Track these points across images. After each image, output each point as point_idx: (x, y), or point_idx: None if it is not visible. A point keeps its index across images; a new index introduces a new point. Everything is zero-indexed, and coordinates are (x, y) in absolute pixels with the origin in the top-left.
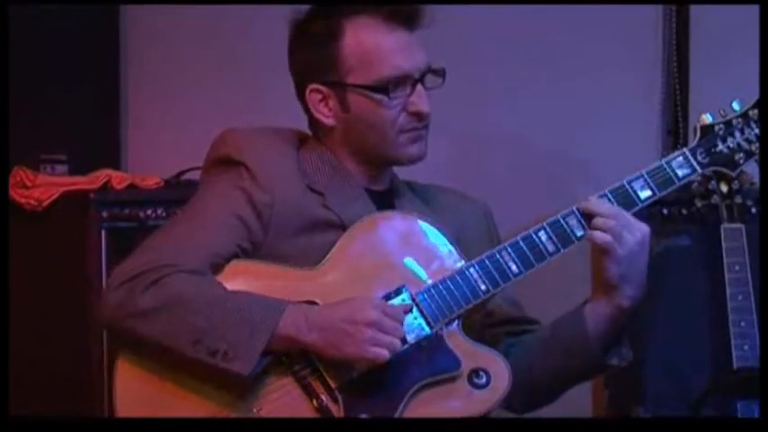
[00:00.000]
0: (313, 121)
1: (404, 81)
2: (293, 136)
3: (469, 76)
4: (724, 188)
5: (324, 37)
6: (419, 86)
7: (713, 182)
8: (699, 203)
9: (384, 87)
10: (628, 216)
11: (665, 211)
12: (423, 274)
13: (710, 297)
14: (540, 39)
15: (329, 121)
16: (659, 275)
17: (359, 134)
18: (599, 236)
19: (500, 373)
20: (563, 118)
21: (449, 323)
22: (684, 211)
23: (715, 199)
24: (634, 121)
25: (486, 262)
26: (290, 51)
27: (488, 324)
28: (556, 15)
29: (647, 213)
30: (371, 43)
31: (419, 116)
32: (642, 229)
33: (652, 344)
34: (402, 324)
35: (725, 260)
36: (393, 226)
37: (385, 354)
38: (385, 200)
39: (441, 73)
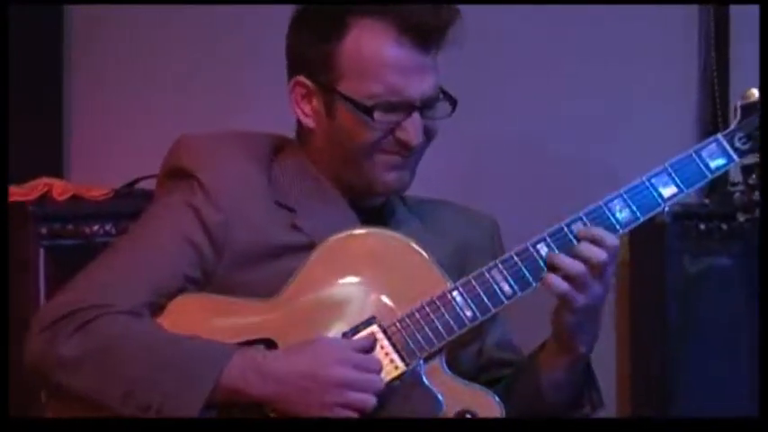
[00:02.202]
0: (297, 121)
1: (399, 107)
2: (268, 143)
3: (489, 71)
4: None
5: (323, 29)
6: (415, 115)
7: (757, 192)
8: (741, 217)
9: (371, 108)
10: (604, 256)
11: (701, 227)
12: (399, 301)
13: (752, 326)
14: (559, 34)
15: (309, 122)
16: (695, 302)
17: (340, 146)
18: (555, 284)
19: (491, 414)
20: (588, 117)
21: (429, 358)
22: (724, 227)
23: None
24: (666, 123)
25: (473, 283)
26: (288, 35)
27: (479, 366)
28: (577, 11)
29: (682, 230)
30: (372, 52)
31: (405, 146)
32: (611, 270)
33: (686, 378)
34: (378, 373)
35: None
36: (366, 245)
37: (356, 415)
38: (374, 218)
39: (452, 102)
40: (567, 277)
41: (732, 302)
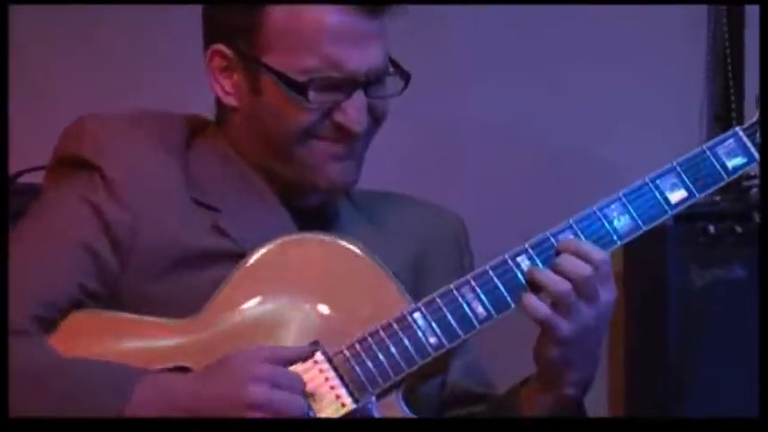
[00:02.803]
0: (217, 99)
1: (339, 85)
2: (183, 125)
3: (494, 69)
4: None
5: None
6: (359, 94)
7: None
8: (757, 218)
9: (304, 86)
10: (588, 271)
11: (710, 229)
12: (348, 323)
13: None
14: (559, 33)
15: (230, 101)
16: (703, 323)
17: (268, 131)
18: (534, 306)
19: None
20: (590, 117)
21: (383, 394)
22: (739, 229)
23: None
24: (671, 122)
25: (439, 303)
26: None
27: (442, 401)
28: (580, 10)
29: (687, 234)
30: (308, 18)
31: (347, 132)
32: (608, 295)
33: (695, 403)
34: (300, 392)
35: None
36: (306, 255)
37: None
38: (314, 221)
39: (403, 76)
40: (551, 298)
41: (747, 323)
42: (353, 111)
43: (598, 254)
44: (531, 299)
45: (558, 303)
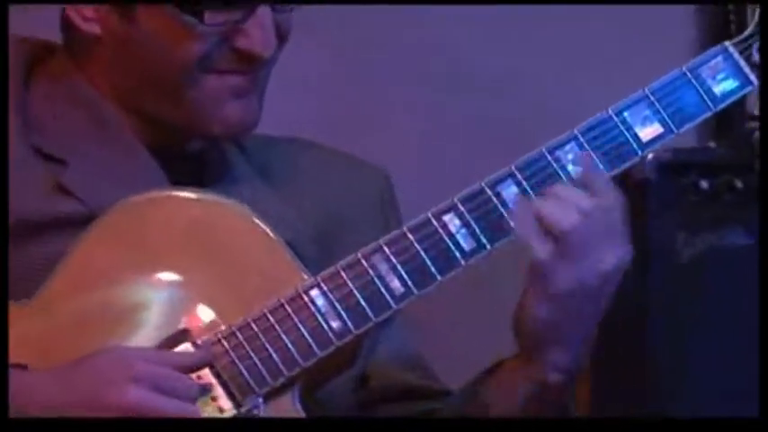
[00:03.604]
0: (67, 26)
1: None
2: (18, 52)
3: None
4: None
5: None
6: (264, 9)
7: None
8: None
9: (197, 5)
10: (608, 211)
11: (703, 185)
12: (229, 305)
13: None
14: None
15: (91, 28)
16: (693, 300)
17: (146, 66)
18: (537, 242)
19: None
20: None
21: (273, 395)
22: (739, 185)
23: None
24: None
25: (344, 276)
26: None
27: (361, 400)
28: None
29: (673, 190)
30: None
31: (250, 59)
32: (619, 249)
33: (682, 403)
34: (190, 399)
35: None
36: (177, 217)
37: None
38: (192, 173)
39: None
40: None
41: (749, 303)
42: (260, 31)
43: (612, 191)
44: (534, 229)
45: (559, 243)
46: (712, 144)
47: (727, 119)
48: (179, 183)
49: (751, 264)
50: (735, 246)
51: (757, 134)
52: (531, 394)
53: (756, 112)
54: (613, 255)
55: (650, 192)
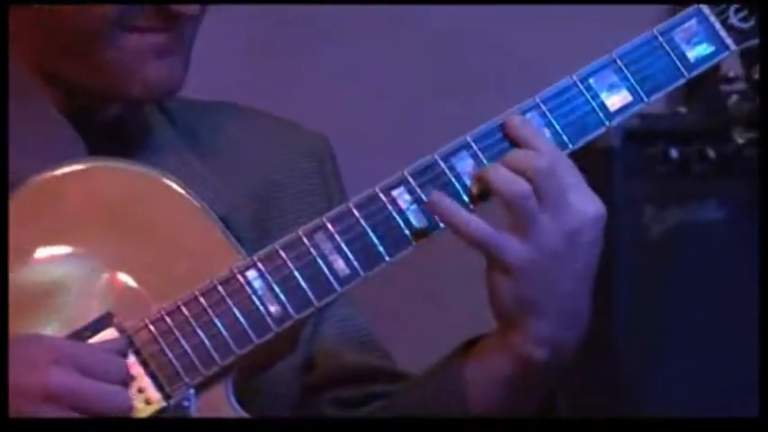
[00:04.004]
0: None
1: None
2: None
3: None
4: None
5: None
6: None
7: None
8: (740, 138)
9: None
10: (559, 170)
11: (673, 154)
12: (155, 286)
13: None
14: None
15: None
16: (663, 281)
17: (57, 25)
18: (465, 223)
19: None
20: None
21: (204, 386)
22: (712, 154)
23: None
24: None
25: (283, 255)
26: None
27: (308, 386)
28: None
29: (640, 160)
30: None
31: (170, 14)
32: (589, 205)
33: (653, 400)
34: (123, 384)
35: None
36: (94, 190)
37: None
38: (111, 142)
39: None
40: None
41: (725, 284)
42: None
43: (537, 159)
44: (458, 212)
45: (510, 212)
46: (683, 109)
47: (700, 82)
48: (99, 152)
49: (725, 240)
50: (707, 221)
51: (734, 98)
52: (514, 374)
53: (732, 74)
54: (588, 208)
55: (615, 161)
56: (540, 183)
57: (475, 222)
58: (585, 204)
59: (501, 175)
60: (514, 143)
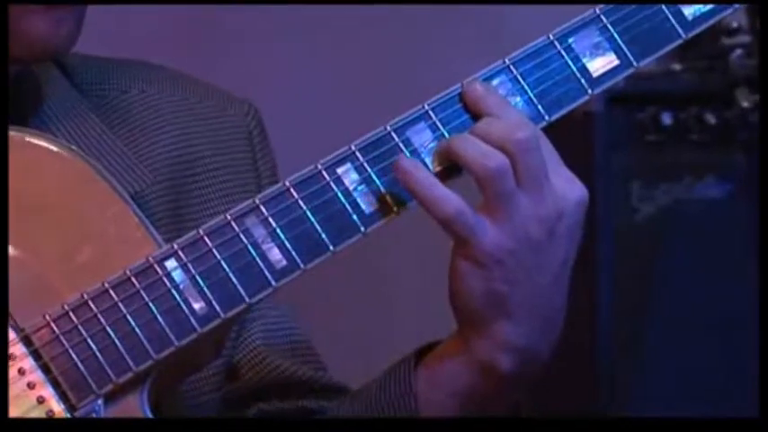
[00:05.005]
0: None
1: None
2: None
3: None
4: None
5: None
6: None
7: None
8: (744, 101)
9: None
10: (542, 144)
11: (665, 120)
12: (58, 279)
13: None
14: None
15: None
16: (659, 260)
17: None
18: (441, 199)
19: None
20: None
21: (117, 394)
22: (712, 119)
23: None
24: None
25: (209, 244)
26: None
27: (232, 398)
28: None
29: (627, 128)
30: None
31: None
32: (570, 190)
33: (638, 399)
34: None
35: None
36: None
37: None
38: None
39: None
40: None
41: (724, 272)
42: None
43: (487, 127)
44: (435, 188)
45: (483, 191)
46: (677, 66)
47: (696, 34)
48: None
49: (725, 223)
50: (705, 200)
51: (737, 53)
52: (473, 384)
53: (735, 25)
54: (569, 192)
55: (596, 129)
56: (521, 158)
57: (455, 201)
58: (568, 186)
59: (472, 147)
60: (476, 116)
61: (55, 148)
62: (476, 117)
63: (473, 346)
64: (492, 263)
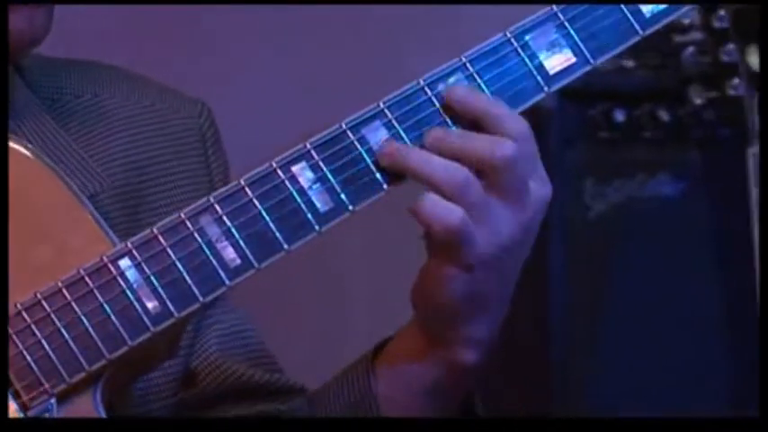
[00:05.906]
0: None
1: None
2: None
3: None
4: (753, 60)
5: None
6: None
7: (731, 45)
8: (697, 98)
9: None
10: (517, 148)
11: (618, 117)
12: (11, 279)
13: (717, 305)
14: None
15: None
16: (612, 259)
17: None
18: (441, 210)
19: None
20: None
21: (69, 394)
22: (665, 117)
23: (736, 84)
24: None
25: (162, 243)
26: None
27: (188, 403)
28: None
29: (580, 125)
30: None
31: None
32: (540, 188)
33: (591, 399)
34: None
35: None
36: None
37: None
38: None
39: None
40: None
41: (679, 272)
42: None
43: (516, 122)
44: (432, 200)
45: (491, 180)
46: (629, 63)
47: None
48: None
49: (678, 221)
50: (658, 197)
51: (689, 50)
52: (436, 380)
53: (687, 22)
54: (539, 191)
55: (549, 126)
56: (499, 177)
57: (459, 212)
58: (541, 186)
59: (482, 139)
60: (456, 121)
61: (17, 151)
62: (453, 119)
63: (442, 343)
64: (480, 267)
